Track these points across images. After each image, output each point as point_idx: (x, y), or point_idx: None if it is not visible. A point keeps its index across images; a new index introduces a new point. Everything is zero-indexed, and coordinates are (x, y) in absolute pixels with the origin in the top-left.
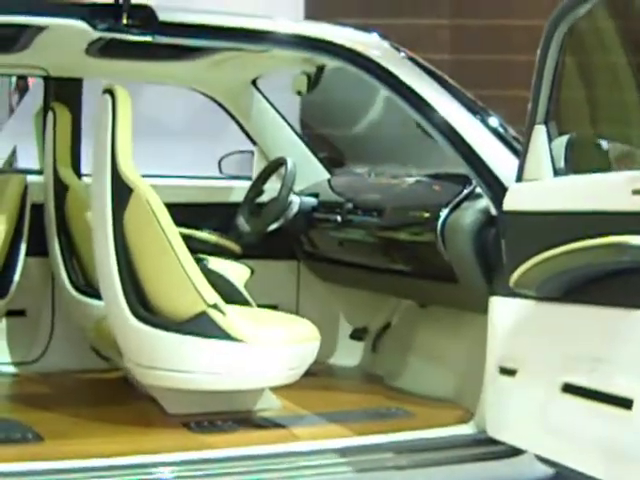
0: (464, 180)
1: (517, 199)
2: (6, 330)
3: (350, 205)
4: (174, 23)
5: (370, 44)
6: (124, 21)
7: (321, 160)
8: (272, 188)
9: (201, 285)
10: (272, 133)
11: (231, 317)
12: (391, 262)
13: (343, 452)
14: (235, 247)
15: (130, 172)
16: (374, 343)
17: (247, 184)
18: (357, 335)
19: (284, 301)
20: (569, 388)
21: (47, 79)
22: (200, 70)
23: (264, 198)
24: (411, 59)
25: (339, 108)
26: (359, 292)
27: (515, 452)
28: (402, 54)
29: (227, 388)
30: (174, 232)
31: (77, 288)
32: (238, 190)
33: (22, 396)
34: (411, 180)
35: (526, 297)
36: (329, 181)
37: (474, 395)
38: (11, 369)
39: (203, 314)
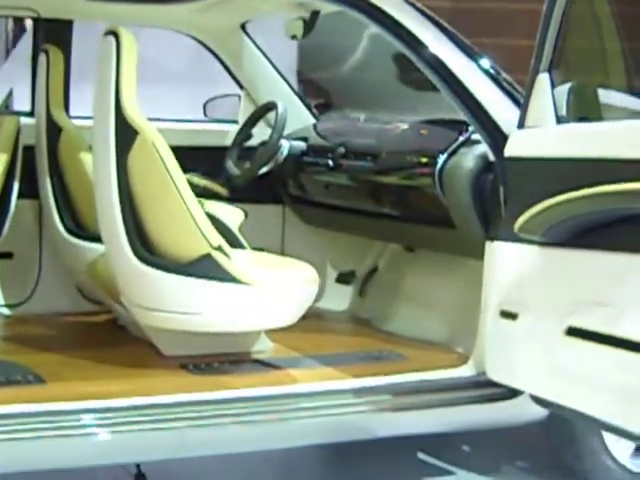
0: (460, 126)
1: (519, 145)
2: None
3: (342, 149)
4: None
5: None
6: None
7: (307, 105)
8: (260, 132)
9: (206, 228)
10: (260, 77)
11: (235, 260)
12: (384, 206)
13: (341, 394)
14: (222, 190)
15: (135, 115)
16: (362, 287)
17: (232, 127)
18: (344, 279)
19: (270, 245)
20: (574, 331)
21: (37, 20)
22: (191, 13)
23: (252, 142)
24: (410, 3)
25: (336, 54)
26: (345, 236)
27: (512, 394)
28: None
29: (231, 330)
30: (180, 175)
31: (69, 230)
32: (224, 134)
33: (15, 338)
34: (405, 125)
35: (529, 242)
36: (314, 126)
37: (468, 339)
38: None
39: (208, 256)
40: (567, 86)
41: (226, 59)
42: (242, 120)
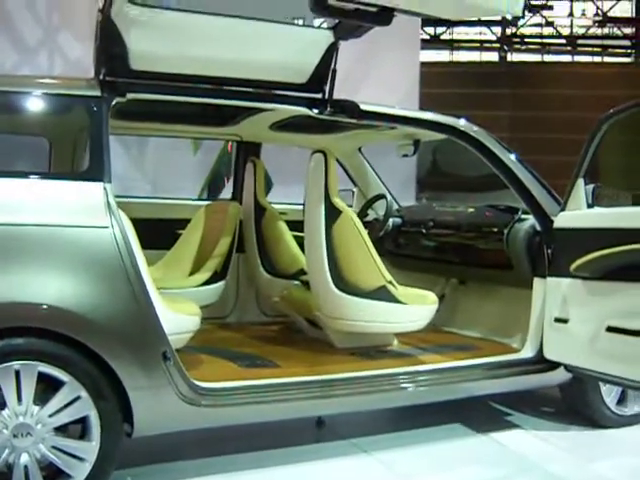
0: (512, 209)
1: (565, 221)
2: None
3: (431, 222)
4: (369, 111)
5: (463, 124)
6: (329, 109)
7: (393, 197)
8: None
9: (382, 268)
10: (367, 180)
11: (399, 289)
12: (454, 256)
13: (447, 371)
14: None
15: (338, 201)
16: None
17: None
18: None
19: None
20: (612, 329)
21: (240, 142)
22: (332, 140)
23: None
24: (487, 133)
25: (434, 167)
26: (419, 275)
27: (553, 367)
28: (481, 129)
29: (397, 331)
30: (366, 235)
31: (267, 271)
32: None
33: (233, 337)
34: (472, 209)
35: (577, 277)
36: (398, 210)
37: (519, 336)
38: (213, 321)
39: (383, 287)
40: (592, 186)
41: (348, 168)
42: (355, 205)
